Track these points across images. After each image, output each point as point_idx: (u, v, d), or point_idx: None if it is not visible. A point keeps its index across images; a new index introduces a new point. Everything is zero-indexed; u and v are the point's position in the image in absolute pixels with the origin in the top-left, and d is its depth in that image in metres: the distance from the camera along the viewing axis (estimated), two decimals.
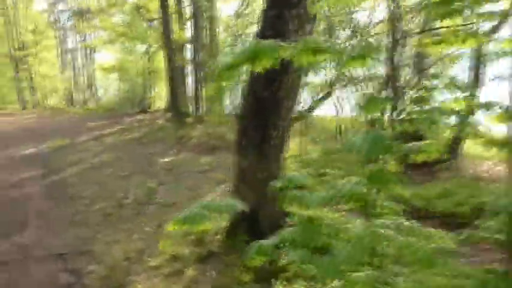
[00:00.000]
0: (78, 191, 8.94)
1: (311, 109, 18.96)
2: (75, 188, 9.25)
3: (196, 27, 17.50)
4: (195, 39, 17.37)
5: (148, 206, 7.65)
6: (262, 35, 5.46)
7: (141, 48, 27.29)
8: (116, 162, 11.54)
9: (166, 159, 11.66)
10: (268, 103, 5.09)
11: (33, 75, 32.78)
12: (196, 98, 17.86)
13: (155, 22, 23.37)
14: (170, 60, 16.78)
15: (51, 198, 8.63)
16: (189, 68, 22.48)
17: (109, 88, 38.33)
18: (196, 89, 17.26)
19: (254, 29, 18.77)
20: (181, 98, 18.07)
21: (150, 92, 27.88)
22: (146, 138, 15.12)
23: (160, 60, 26.45)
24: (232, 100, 17.76)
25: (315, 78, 19.58)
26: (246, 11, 20.37)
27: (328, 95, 18.72)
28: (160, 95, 28.41)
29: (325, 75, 19.12)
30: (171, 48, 16.84)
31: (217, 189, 8.29)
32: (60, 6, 33.62)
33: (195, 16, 17.70)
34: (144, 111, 25.79)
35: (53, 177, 10.21)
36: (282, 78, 5.10)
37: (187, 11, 22.78)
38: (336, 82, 18.36)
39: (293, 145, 15.11)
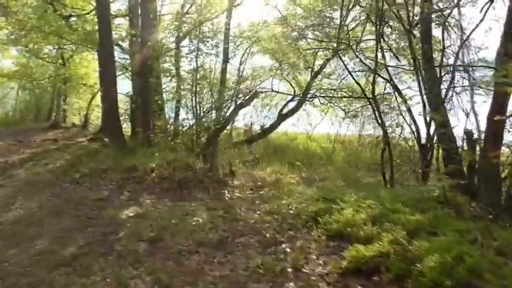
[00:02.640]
0: None
1: (275, 125, 15.10)
2: None
3: (143, 25, 12.78)
4: (143, 39, 12.64)
5: None
6: None
7: (51, 50, 21.52)
8: (45, 221, 6.65)
9: (128, 212, 7.04)
10: None
11: None
12: (139, 113, 13.11)
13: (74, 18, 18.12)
14: (106, 64, 11.88)
15: None
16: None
17: (5, 98, 31.29)
18: (144, 101, 12.50)
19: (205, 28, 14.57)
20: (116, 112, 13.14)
21: (62, 103, 22.10)
22: (78, 171, 10.13)
23: (78, 65, 21.15)
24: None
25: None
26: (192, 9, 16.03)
27: (296, 109, 14.99)
28: (76, 106, 22.81)
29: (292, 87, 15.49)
30: (109, 49, 11.95)
31: None
32: None
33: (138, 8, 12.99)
34: (56, 126, 20.13)
35: None
36: None
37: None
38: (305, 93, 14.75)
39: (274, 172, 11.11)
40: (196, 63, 13.51)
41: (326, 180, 11.03)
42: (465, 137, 7.94)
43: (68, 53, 20.90)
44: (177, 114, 15.11)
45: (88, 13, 17.28)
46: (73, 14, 18.34)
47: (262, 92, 13.23)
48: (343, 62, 11.24)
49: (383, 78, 10.08)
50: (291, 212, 6.61)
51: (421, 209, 6.02)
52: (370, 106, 10.63)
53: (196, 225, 6.18)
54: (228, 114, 12.05)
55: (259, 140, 15.29)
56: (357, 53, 10.66)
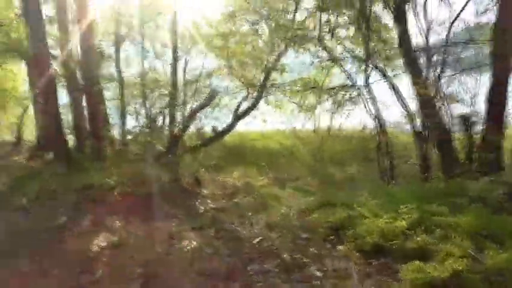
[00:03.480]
0: None
1: (231, 126, 14.05)
2: None
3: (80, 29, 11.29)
4: (83, 45, 11.13)
5: None
6: None
7: None
8: None
9: (99, 242, 5.75)
10: None
11: None
12: (83, 124, 11.57)
13: None
14: (43, 73, 10.27)
15: None
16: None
17: None
18: (91, 110, 11.01)
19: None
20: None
21: None
22: (24, 196, 8.59)
23: (4, 78, 18.92)
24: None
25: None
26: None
27: (252, 107, 14.01)
28: (5, 122, 20.43)
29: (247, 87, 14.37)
30: (45, 57, 10.35)
31: None
32: None
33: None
34: None
35: None
36: None
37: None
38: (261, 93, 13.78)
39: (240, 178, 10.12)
40: (143, 66, 12.29)
41: (298, 179, 10.19)
42: (461, 121, 7.36)
43: None
44: (123, 123, 13.67)
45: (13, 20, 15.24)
46: None
47: (220, 92, 12.11)
48: (326, 50, 10.33)
49: (372, 66, 9.18)
50: (296, 223, 5.60)
51: (454, 207, 5.15)
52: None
53: (191, 251, 5.02)
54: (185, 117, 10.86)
55: (214, 143, 14.18)
56: (336, 40, 9.82)
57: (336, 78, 14.26)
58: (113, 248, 5.43)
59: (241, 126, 15.63)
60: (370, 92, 8.94)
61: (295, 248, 4.83)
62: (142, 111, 11.45)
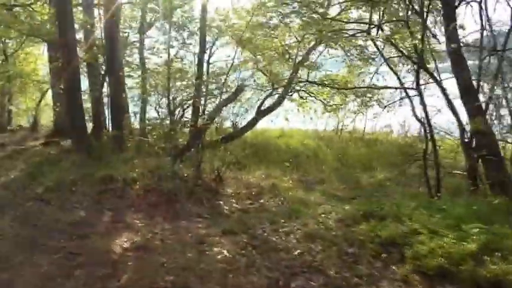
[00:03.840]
0: None
1: (253, 122, 13.58)
2: None
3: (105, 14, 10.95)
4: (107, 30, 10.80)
5: None
6: None
7: None
8: (14, 260, 4.84)
9: (121, 242, 5.38)
10: None
11: None
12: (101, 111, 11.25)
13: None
14: (69, 57, 9.94)
15: None
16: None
17: None
18: (114, 98, 10.67)
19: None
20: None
21: (7, 103, 19.44)
22: (41, 184, 8.30)
23: (24, 61, 18.71)
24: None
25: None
26: None
27: (277, 104, 13.54)
28: (23, 107, 20.20)
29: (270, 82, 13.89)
30: (72, 40, 10.02)
31: None
32: None
33: None
34: (2, 129, 17.65)
35: None
36: None
37: None
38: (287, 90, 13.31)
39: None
40: (168, 55, 11.88)
41: (324, 182, 9.75)
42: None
43: (11, 47, 18.50)
44: (144, 112, 13.32)
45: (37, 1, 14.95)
46: (16, 3, 15.92)
47: (247, 87, 11.69)
48: (377, 47, 9.75)
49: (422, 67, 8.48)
50: (334, 233, 5.14)
51: None
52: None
53: (225, 260, 4.59)
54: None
55: (235, 139, 13.73)
56: (383, 37, 9.20)
57: (365, 77, 13.71)
58: (137, 250, 5.05)
59: (260, 123, 15.23)
60: (420, 94, 8.30)
61: (342, 265, 4.34)
62: (164, 102, 11.07)
